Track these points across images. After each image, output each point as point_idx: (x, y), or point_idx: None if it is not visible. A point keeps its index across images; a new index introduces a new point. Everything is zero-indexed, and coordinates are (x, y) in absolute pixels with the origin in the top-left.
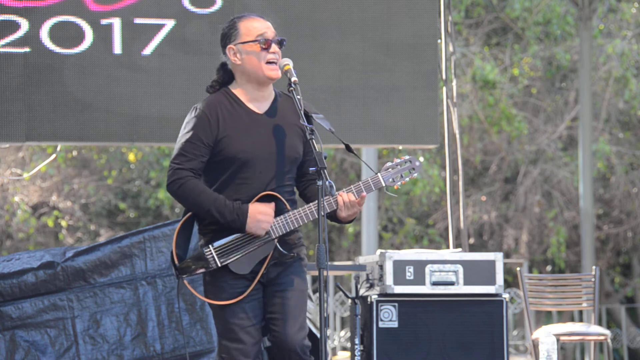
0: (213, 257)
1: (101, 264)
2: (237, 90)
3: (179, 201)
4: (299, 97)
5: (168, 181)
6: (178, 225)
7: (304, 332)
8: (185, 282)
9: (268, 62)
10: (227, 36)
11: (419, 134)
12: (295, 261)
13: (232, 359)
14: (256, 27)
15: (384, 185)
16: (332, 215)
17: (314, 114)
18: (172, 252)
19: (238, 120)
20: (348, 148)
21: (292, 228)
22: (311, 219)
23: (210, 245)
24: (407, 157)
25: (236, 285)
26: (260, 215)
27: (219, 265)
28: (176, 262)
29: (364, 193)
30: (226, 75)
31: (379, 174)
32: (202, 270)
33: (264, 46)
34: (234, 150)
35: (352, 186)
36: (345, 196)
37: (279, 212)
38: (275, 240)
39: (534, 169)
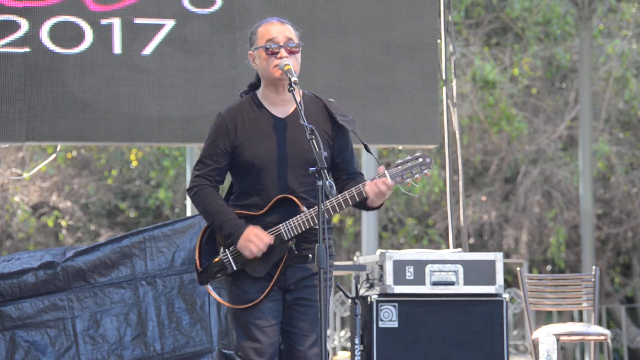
0: (229, 260)
1: (101, 264)
2: (262, 95)
3: (195, 207)
4: (299, 97)
5: (188, 187)
6: (201, 233)
7: (317, 348)
8: (208, 287)
9: (276, 66)
10: (249, 42)
11: (419, 134)
12: (317, 274)
13: (247, 357)
14: (268, 31)
15: (390, 182)
16: (362, 204)
17: (339, 115)
18: (195, 260)
19: (257, 126)
20: (366, 148)
21: (305, 228)
22: (322, 217)
23: (226, 250)
24: (418, 154)
25: (255, 287)
26: (253, 236)
27: (235, 268)
28: (198, 267)
29: (390, 181)
30: (257, 79)
31: (386, 172)
32: (220, 274)
33: (269, 52)
34: (249, 156)
35: (364, 183)
36: (375, 183)
37: (295, 214)
38: (290, 242)
39: (534, 169)
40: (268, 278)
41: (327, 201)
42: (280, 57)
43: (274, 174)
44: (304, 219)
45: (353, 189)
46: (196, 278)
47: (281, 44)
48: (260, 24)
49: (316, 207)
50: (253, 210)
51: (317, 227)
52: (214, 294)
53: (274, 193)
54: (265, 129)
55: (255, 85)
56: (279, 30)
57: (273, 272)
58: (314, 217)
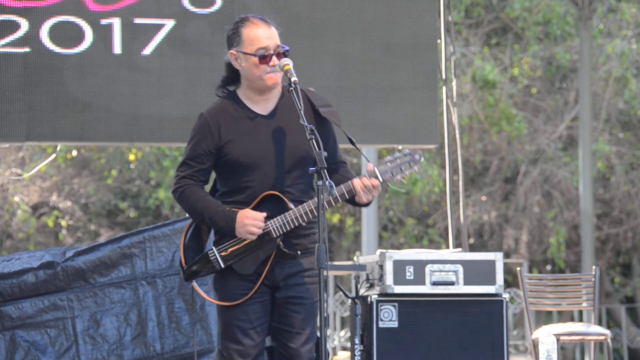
0: (217, 258)
1: (101, 264)
2: (242, 93)
3: (181, 207)
4: (299, 96)
5: (172, 189)
6: (185, 230)
7: (310, 344)
8: (194, 283)
9: (268, 72)
10: (230, 40)
11: (419, 134)
12: (306, 270)
13: (231, 358)
14: (259, 37)
15: (381, 180)
16: (351, 200)
17: (322, 107)
18: (180, 257)
19: (241, 125)
20: (351, 142)
21: (293, 226)
22: (311, 216)
23: (214, 247)
24: (407, 151)
25: (241, 286)
26: (247, 219)
27: (222, 266)
28: (184, 265)
29: (380, 179)
30: (231, 73)
31: (375, 169)
32: (207, 272)
33: (263, 61)
34: (235, 154)
35: (353, 180)
36: (361, 181)
37: (282, 211)
38: (278, 239)
39: (534, 169)
40: (255, 278)
41: (316, 198)
42: (273, 65)
43: (260, 171)
44: (293, 217)
45: (342, 186)
46: (182, 275)
47: (272, 51)
48: (243, 24)
49: (304, 204)
50: (239, 207)
51: (304, 224)
52: (200, 291)
53: (261, 190)
54: (249, 127)
55: (229, 79)
56: (267, 35)
57: (260, 269)
58: (303, 214)
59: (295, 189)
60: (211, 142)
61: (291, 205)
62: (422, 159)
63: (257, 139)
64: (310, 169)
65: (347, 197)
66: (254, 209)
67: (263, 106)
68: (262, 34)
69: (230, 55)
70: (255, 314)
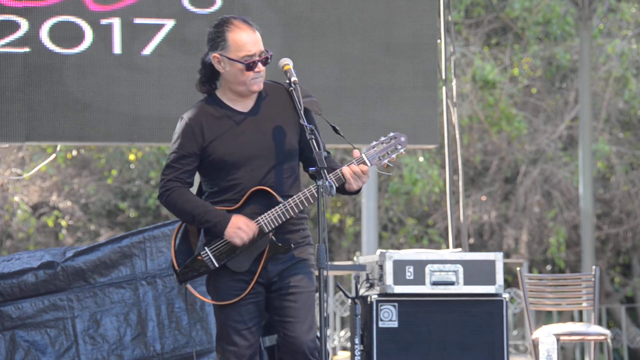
0: (210, 258)
1: (101, 264)
2: (222, 94)
3: (169, 210)
4: (299, 97)
5: (158, 193)
6: (174, 233)
7: (312, 333)
8: (188, 285)
9: (253, 79)
10: (213, 43)
11: (419, 134)
12: (300, 261)
13: (226, 359)
14: (244, 43)
15: (369, 165)
16: (340, 189)
17: (303, 97)
18: (172, 259)
19: (223, 124)
20: (335, 130)
21: (284, 219)
22: (301, 207)
23: (205, 247)
24: (392, 134)
25: (234, 287)
26: (243, 224)
27: (217, 265)
28: (176, 268)
29: (368, 164)
30: (208, 71)
31: (363, 155)
32: (201, 273)
33: (249, 68)
34: (220, 153)
35: (341, 168)
36: (350, 168)
37: (271, 205)
38: (270, 234)
39: (534, 169)
40: (248, 278)
41: (305, 189)
42: (258, 71)
43: (246, 167)
44: (284, 210)
45: (331, 174)
46: (175, 278)
47: (257, 58)
48: (227, 27)
49: (294, 196)
50: (228, 205)
51: (295, 216)
52: (195, 292)
53: (248, 186)
54: (231, 125)
55: (207, 79)
56: (253, 41)
57: (254, 267)
58: (293, 206)
59: (282, 183)
60: (195, 143)
61: (280, 199)
62: (407, 142)
63: (241, 136)
64: (310, 168)
65: (337, 185)
66: (242, 205)
67: (243, 104)
68: (248, 40)
69: (213, 58)
70: (249, 315)
